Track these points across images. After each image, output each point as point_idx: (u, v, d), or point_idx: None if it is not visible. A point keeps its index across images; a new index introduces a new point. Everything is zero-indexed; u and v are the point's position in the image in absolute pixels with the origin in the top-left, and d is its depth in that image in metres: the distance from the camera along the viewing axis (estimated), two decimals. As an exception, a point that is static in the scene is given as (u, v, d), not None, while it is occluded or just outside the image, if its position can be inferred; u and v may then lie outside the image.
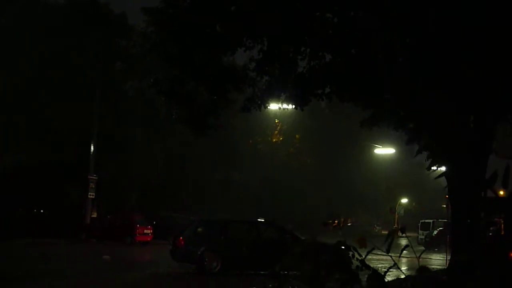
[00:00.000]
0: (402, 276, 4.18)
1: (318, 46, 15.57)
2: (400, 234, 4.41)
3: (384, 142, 54.17)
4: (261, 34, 15.41)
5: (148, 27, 17.25)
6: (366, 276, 3.98)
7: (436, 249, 35.90)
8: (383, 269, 4.24)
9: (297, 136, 62.47)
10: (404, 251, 4.45)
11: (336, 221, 59.23)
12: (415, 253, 4.78)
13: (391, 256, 4.13)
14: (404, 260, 23.25)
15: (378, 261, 5.00)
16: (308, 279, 3.89)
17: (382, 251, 4.18)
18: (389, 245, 4.21)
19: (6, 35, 37.37)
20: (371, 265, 4.10)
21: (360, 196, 68.25)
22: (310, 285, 3.88)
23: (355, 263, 4.11)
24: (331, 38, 15.16)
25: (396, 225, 57.73)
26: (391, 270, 4.24)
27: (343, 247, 4.20)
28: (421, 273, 3.93)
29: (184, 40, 15.57)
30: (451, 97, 14.05)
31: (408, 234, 5.00)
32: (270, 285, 4.43)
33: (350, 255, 4.13)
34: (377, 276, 3.89)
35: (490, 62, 13.45)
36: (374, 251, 4.29)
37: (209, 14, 15.19)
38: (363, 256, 4.11)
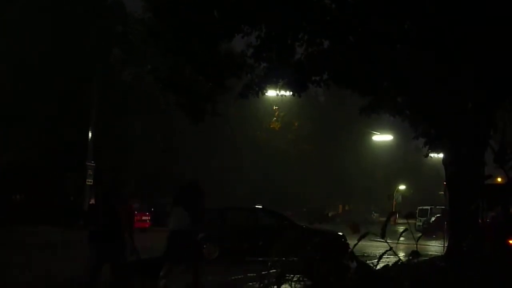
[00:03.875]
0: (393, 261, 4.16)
1: (316, 32, 15.52)
2: (395, 221, 4.40)
3: (382, 128, 54.18)
4: (259, 21, 15.35)
5: (145, 13, 17.18)
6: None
7: (434, 236, 35.97)
8: (377, 255, 4.23)
9: (295, 123, 62.37)
10: (402, 238, 4.44)
11: (329, 213, 59.57)
12: (414, 239, 4.77)
13: (386, 241, 4.12)
14: (402, 246, 23.30)
15: (377, 247, 4.97)
16: (304, 263, 3.88)
17: (376, 235, 4.17)
18: (384, 230, 4.20)
19: (7, 32, 37.29)
20: (369, 252, 4.09)
21: (358, 183, 68.33)
22: (306, 270, 3.88)
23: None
24: (329, 25, 15.11)
25: (393, 211, 57.71)
26: (387, 256, 4.23)
27: (340, 233, 4.20)
28: (413, 257, 3.92)
29: (181, 26, 15.51)
30: (449, 84, 14.04)
31: (405, 221, 4.99)
32: (266, 272, 4.43)
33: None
34: (364, 268, 3.88)
35: (490, 50, 13.44)
36: (373, 238, 4.28)
37: (206, 0, 15.13)
38: (353, 245, 4.10)
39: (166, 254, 10.23)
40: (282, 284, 4.05)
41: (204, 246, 20.24)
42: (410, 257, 3.97)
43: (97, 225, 9.86)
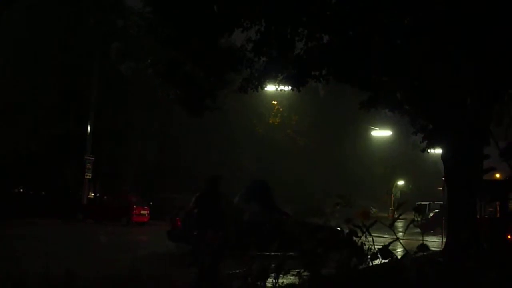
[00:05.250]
0: (400, 252, 4.19)
1: (315, 27, 15.51)
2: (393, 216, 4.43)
3: (381, 124, 54.17)
4: (259, 15, 15.34)
5: (145, 7, 17.17)
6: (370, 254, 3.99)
7: (432, 231, 36.01)
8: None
9: (295, 118, 62.31)
10: (400, 233, 4.46)
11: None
12: (416, 234, 4.80)
13: (393, 231, 4.13)
14: (402, 242, 23.30)
15: (376, 243, 4.96)
16: (306, 258, 3.90)
17: (385, 225, 4.19)
18: (393, 222, 4.23)
19: (8, 25, 37.31)
20: (369, 247, 4.10)
21: (357, 178, 68.34)
22: (308, 264, 3.89)
23: (363, 240, 4.12)
24: (329, 19, 15.10)
25: (392, 207, 57.83)
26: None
27: (338, 228, 4.21)
28: (421, 250, 3.94)
29: (181, 21, 15.49)
30: (448, 80, 14.05)
31: (404, 216, 5.01)
32: (267, 265, 4.44)
33: (358, 232, 4.14)
34: (385, 252, 3.90)
35: (487, 45, 13.44)
36: (373, 233, 4.29)
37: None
38: (368, 231, 4.11)
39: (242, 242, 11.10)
40: (280, 277, 4.07)
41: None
42: (417, 250, 4.00)
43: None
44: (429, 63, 13.95)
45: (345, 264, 3.81)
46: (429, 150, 21.08)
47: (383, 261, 4.01)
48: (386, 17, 14.39)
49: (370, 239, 4.15)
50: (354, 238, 4.11)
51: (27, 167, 39.15)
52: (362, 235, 4.08)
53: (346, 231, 4.25)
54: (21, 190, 43.36)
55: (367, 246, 4.12)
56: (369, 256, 3.97)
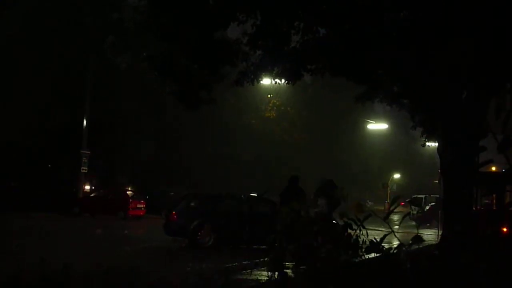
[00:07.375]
0: (395, 245, 4.19)
1: (312, 20, 15.47)
2: (389, 208, 4.44)
3: (377, 117, 54.18)
4: (255, 8, 15.30)
5: (140, 1, 17.13)
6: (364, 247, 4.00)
7: (428, 224, 36.13)
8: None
9: (290, 111, 62.26)
10: (396, 226, 4.46)
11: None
12: (414, 227, 4.80)
13: (388, 224, 4.13)
14: (397, 235, 23.33)
15: (372, 236, 4.94)
16: (301, 250, 3.90)
17: (380, 217, 4.19)
18: (388, 214, 4.22)
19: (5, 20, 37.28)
20: (364, 239, 4.11)
21: (353, 171, 68.36)
22: (302, 257, 3.89)
23: (358, 234, 4.12)
24: (325, 13, 15.06)
25: (388, 201, 57.91)
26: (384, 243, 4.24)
27: (334, 221, 4.21)
28: (415, 242, 3.94)
29: (177, 14, 15.44)
30: (444, 73, 14.04)
31: (400, 209, 5.01)
32: (263, 259, 4.44)
33: (353, 227, 4.14)
34: (375, 246, 3.90)
35: (484, 38, 13.43)
36: (368, 226, 4.29)
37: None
38: (362, 224, 4.11)
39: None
40: (277, 270, 4.06)
41: (199, 233, 20.31)
42: (411, 242, 3.99)
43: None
44: (425, 58, 13.94)
45: (338, 257, 3.81)
46: (427, 144, 21.13)
47: (378, 254, 4.01)
48: (383, 11, 14.37)
49: (364, 232, 4.14)
50: (349, 231, 4.11)
51: (24, 161, 39.12)
52: (357, 228, 4.07)
53: (341, 224, 4.25)
54: (12, 183, 43.22)
55: (362, 239, 4.12)
56: (363, 250, 3.97)
